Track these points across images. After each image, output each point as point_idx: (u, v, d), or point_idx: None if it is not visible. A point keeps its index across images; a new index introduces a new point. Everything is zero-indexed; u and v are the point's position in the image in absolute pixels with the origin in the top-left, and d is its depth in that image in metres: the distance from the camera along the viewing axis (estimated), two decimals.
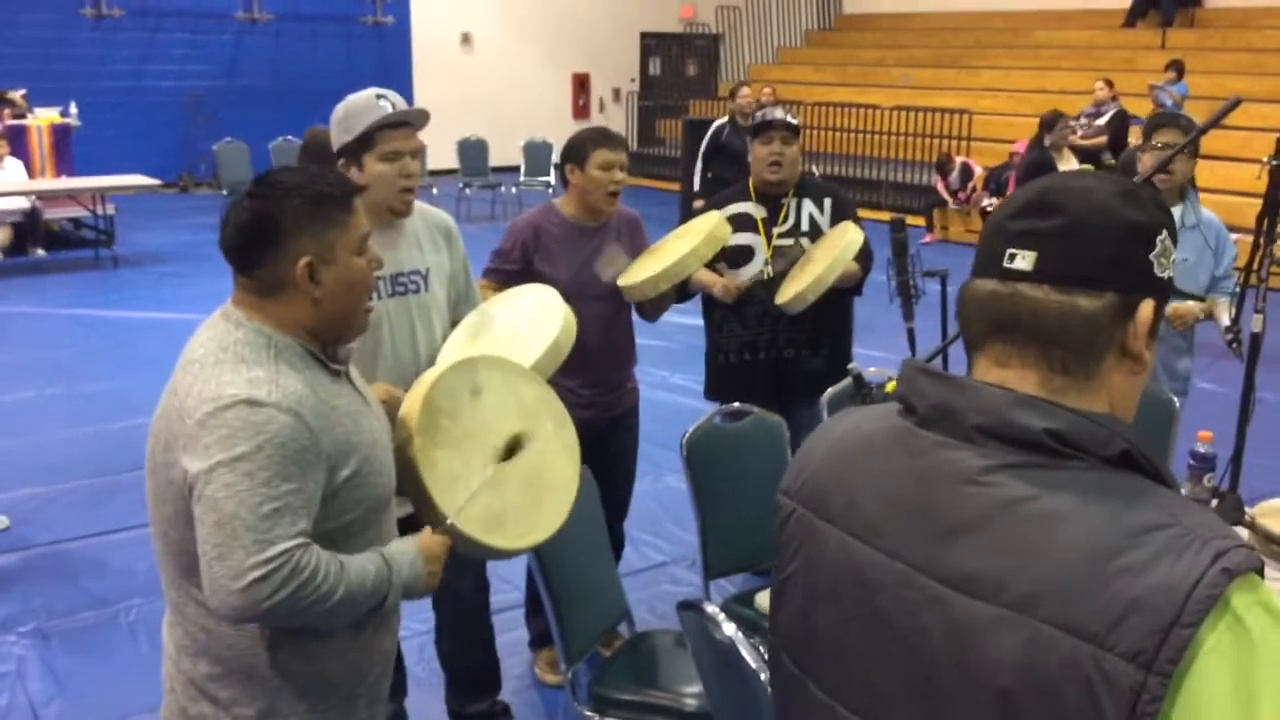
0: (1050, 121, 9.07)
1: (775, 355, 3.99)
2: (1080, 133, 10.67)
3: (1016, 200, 1.17)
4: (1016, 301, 1.12)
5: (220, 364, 1.80)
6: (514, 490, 2.27)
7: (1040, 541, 1.03)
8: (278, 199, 1.85)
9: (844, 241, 3.78)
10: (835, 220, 4.00)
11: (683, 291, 3.93)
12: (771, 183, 3.98)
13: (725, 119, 8.95)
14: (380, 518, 2.00)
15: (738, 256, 3.95)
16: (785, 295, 3.83)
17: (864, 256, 3.91)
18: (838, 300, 3.96)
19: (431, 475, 2.13)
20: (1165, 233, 1.14)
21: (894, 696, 1.13)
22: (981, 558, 1.06)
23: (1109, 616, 0.96)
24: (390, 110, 2.76)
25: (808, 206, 4.01)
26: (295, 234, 1.85)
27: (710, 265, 3.89)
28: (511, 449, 2.30)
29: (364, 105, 2.78)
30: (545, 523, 2.33)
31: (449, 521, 2.11)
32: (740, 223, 3.98)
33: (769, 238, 3.97)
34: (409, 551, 1.98)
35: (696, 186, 8.95)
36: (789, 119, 4.01)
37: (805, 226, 3.99)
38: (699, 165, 8.97)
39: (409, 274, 2.91)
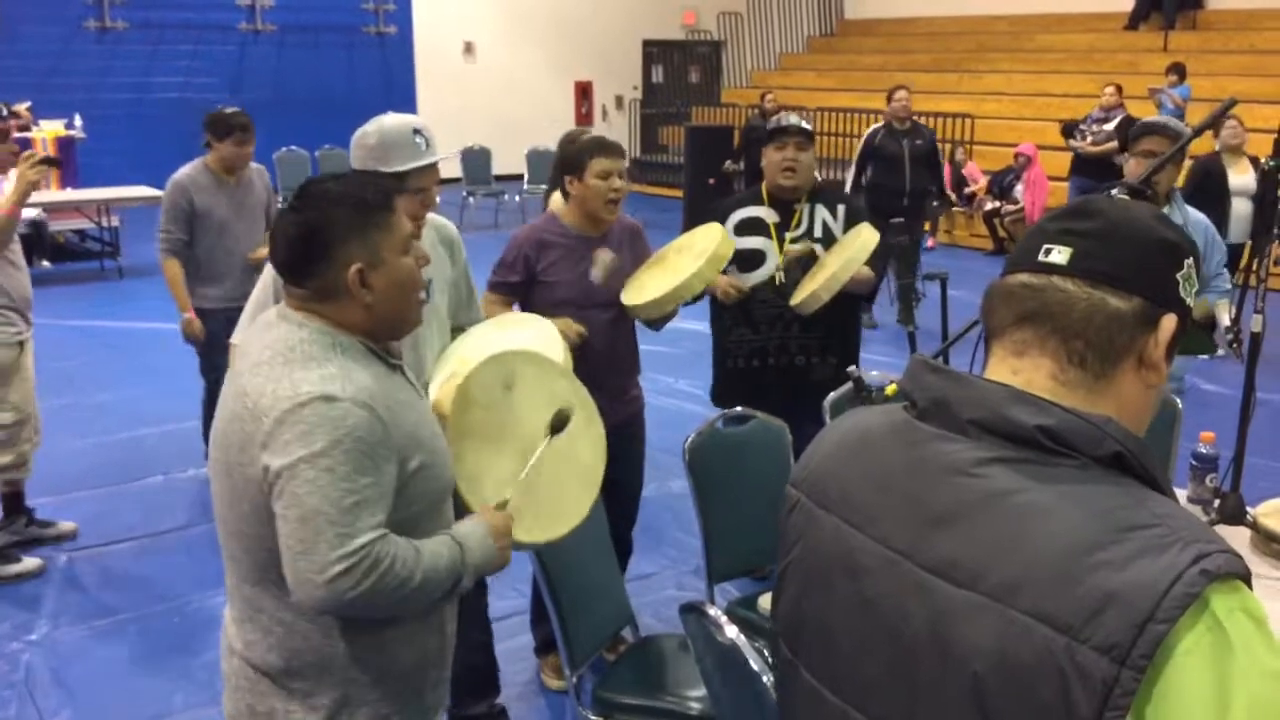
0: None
1: (785, 361, 3.99)
2: (1090, 139, 10.67)
3: (1058, 210, 1.22)
4: (1047, 293, 1.15)
5: (290, 363, 1.85)
6: (541, 485, 2.33)
7: (1023, 533, 1.04)
8: (322, 209, 1.91)
9: (859, 242, 3.78)
10: (849, 228, 3.99)
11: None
12: (786, 188, 3.97)
13: (881, 124, 8.85)
14: (442, 507, 2.06)
15: (748, 260, 3.95)
16: (799, 295, 3.82)
17: (876, 263, 3.89)
18: (848, 306, 3.96)
19: (460, 467, 2.19)
20: (1192, 260, 1.18)
21: (876, 682, 1.14)
22: (965, 546, 1.07)
23: (1085, 609, 0.97)
24: (425, 149, 2.79)
25: (821, 212, 4.00)
26: (343, 242, 1.90)
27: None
28: (557, 427, 2.35)
29: (402, 141, 2.77)
30: (569, 517, 2.39)
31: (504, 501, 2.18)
32: (752, 227, 3.97)
33: (781, 242, 3.97)
34: (477, 532, 2.03)
35: (848, 189, 8.88)
36: (803, 124, 4.01)
37: (818, 232, 3.98)
38: (853, 170, 8.90)
39: None
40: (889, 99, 8.78)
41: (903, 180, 8.49)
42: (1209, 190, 7.49)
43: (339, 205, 1.91)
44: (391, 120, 2.82)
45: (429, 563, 1.90)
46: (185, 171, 5.20)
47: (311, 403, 1.80)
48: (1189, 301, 1.17)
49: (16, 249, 4.47)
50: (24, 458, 4.60)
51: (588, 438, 2.50)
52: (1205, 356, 7.83)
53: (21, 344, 4.47)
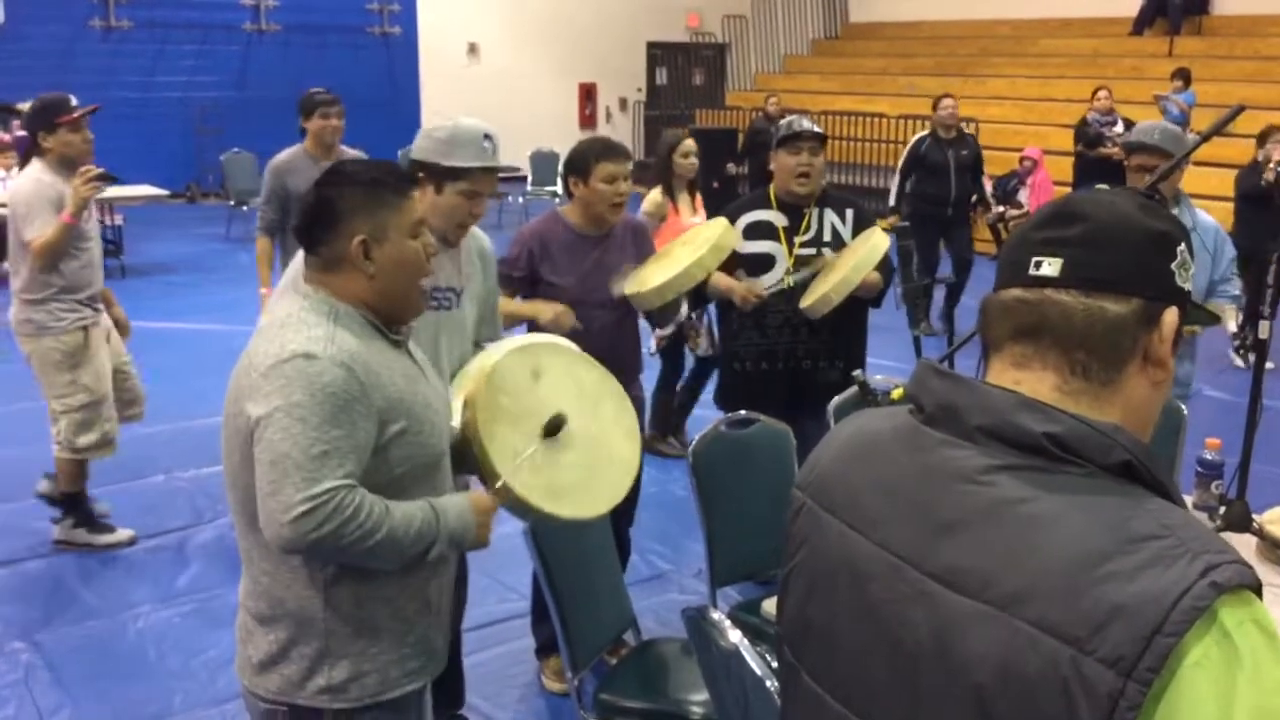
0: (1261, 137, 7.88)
1: (793, 365, 3.98)
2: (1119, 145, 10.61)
3: (1039, 214, 1.19)
4: (1044, 306, 1.13)
5: (285, 326, 2.03)
6: (570, 462, 2.38)
7: (1030, 542, 1.03)
8: (338, 184, 2.10)
9: (869, 245, 3.78)
10: (857, 232, 3.98)
11: (700, 297, 3.93)
12: (799, 194, 3.95)
13: (926, 132, 8.71)
14: (432, 476, 2.17)
15: (758, 264, 3.94)
16: (810, 298, 3.81)
17: (884, 268, 3.89)
18: (856, 312, 3.95)
19: (492, 445, 2.27)
20: (1184, 245, 1.15)
21: (878, 688, 1.13)
22: (971, 554, 1.06)
23: (1092, 621, 0.96)
24: (491, 155, 2.85)
25: (830, 217, 3.99)
26: (350, 215, 2.06)
27: (729, 271, 3.88)
28: (558, 425, 2.39)
29: (471, 141, 2.83)
30: (598, 499, 2.43)
31: (502, 481, 2.24)
32: (761, 230, 3.96)
33: (790, 246, 3.95)
34: (458, 503, 2.15)
35: (892, 201, 8.81)
36: (816, 128, 3.99)
37: (828, 236, 3.97)
38: (897, 178, 8.81)
39: (444, 290, 2.95)
40: (935, 107, 8.66)
41: (947, 189, 8.42)
42: (1256, 195, 7.51)
43: (354, 182, 2.09)
44: (466, 120, 2.89)
45: (399, 521, 2.01)
46: (282, 155, 5.46)
47: (293, 359, 1.96)
48: (1187, 288, 1.15)
49: (89, 245, 4.65)
50: (108, 437, 4.69)
51: (619, 426, 2.54)
52: (1214, 367, 7.74)
53: (86, 329, 4.57)
